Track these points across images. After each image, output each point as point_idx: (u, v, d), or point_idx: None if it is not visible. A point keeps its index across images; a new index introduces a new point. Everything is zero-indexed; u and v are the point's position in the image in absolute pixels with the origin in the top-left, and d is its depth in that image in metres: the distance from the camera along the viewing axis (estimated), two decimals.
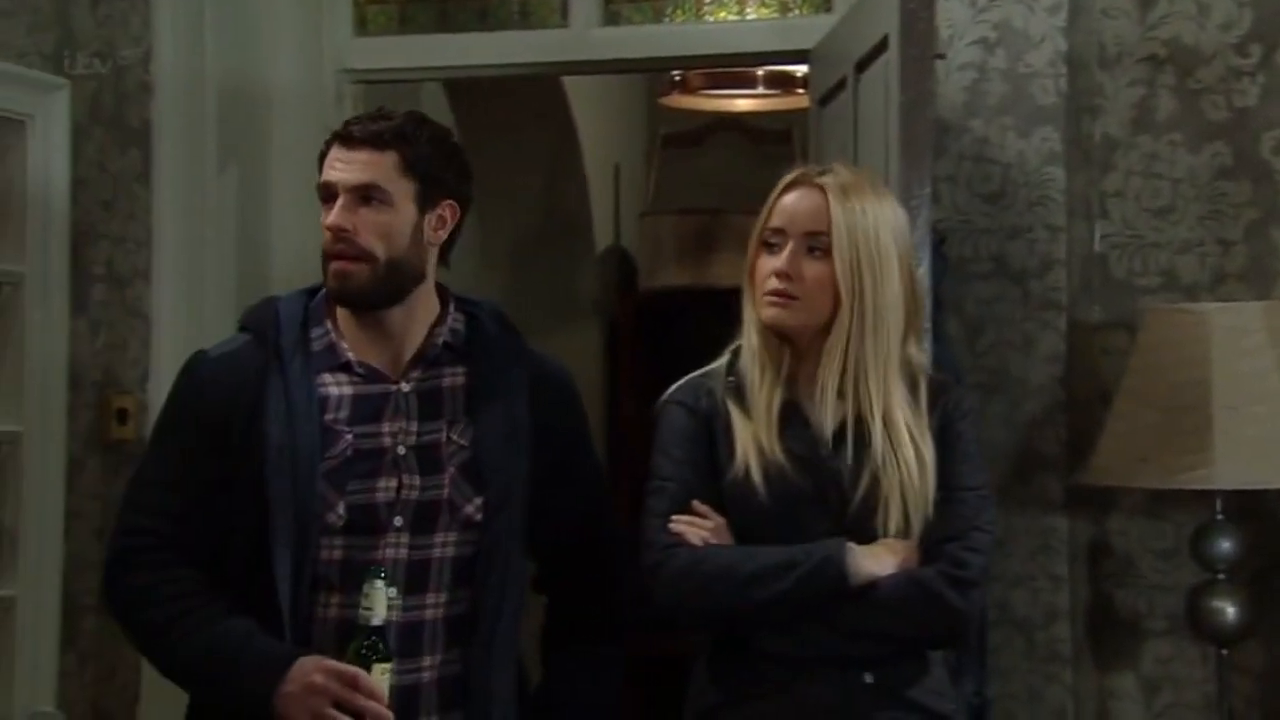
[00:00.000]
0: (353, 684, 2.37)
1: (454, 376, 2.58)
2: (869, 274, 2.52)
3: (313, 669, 2.38)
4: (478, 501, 2.52)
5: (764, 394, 2.55)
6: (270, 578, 2.43)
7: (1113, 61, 3.57)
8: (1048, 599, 3.49)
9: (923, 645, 2.55)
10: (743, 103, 5.20)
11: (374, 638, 2.39)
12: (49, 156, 3.92)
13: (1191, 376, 3.22)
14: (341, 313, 2.56)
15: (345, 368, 2.54)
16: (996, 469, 3.44)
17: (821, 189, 2.55)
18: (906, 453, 2.50)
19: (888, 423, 2.51)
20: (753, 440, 2.53)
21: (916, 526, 2.50)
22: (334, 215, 2.50)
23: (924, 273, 3.01)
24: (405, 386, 2.55)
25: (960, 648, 2.61)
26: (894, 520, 2.49)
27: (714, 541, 2.51)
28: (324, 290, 2.57)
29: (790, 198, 2.58)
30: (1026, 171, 3.54)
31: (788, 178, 2.61)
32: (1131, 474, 3.29)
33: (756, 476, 2.51)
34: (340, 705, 2.36)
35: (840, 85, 3.45)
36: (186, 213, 3.88)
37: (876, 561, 2.47)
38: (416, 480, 2.51)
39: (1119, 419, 3.33)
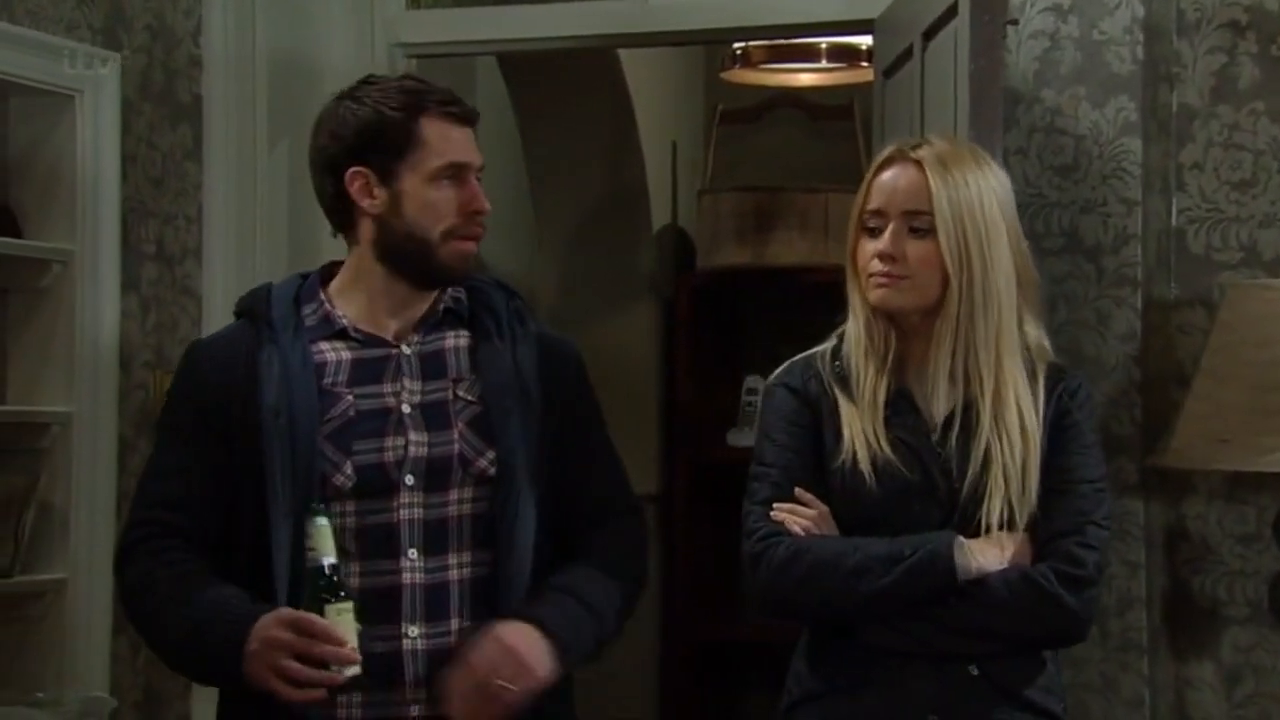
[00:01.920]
0: (308, 631, 2.29)
1: (457, 339, 2.56)
2: (976, 249, 2.43)
3: (271, 623, 2.31)
4: (490, 455, 2.48)
5: (870, 381, 2.49)
6: (267, 551, 2.38)
7: (1191, 28, 3.49)
8: (1123, 585, 3.42)
9: (1032, 644, 2.46)
10: (805, 76, 5.12)
11: (327, 578, 2.31)
12: (99, 132, 3.94)
13: (1274, 355, 3.15)
14: (343, 287, 2.55)
15: (342, 334, 2.52)
16: None
17: (918, 163, 2.46)
18: (1013, 441, 2.41)
19: (997, 409, 2.42)
20: (860, 429, 2.46)
21: (1022, 519, 2.41)
22: (482, 198, 2.51)
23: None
24: (407, 349, 2.53)
25: (1072, 645, 2.52)
26: (996, 512, 2.40)
27: (816, 531, 2.45)
28: (314, 273, 2.58)
29: (887, 175, 2.49)
30: (1100, 143, 3.46)
31: (882, 154, 2.53)
32: (1211, 456, 3.21)
33: (864, 466, 2.44)
34: (301, 656, 2.29)
35: (906, 55, 3.38)
36: (237, 189, 3.85)
37: (987, 556, 2.40)
38: (424, 437, 2.47)
39: (1198, 399, 3.25)
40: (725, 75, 5.18)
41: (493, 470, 2.48)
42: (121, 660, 3.97)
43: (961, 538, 2.40)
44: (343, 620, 2.30)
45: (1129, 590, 3.42)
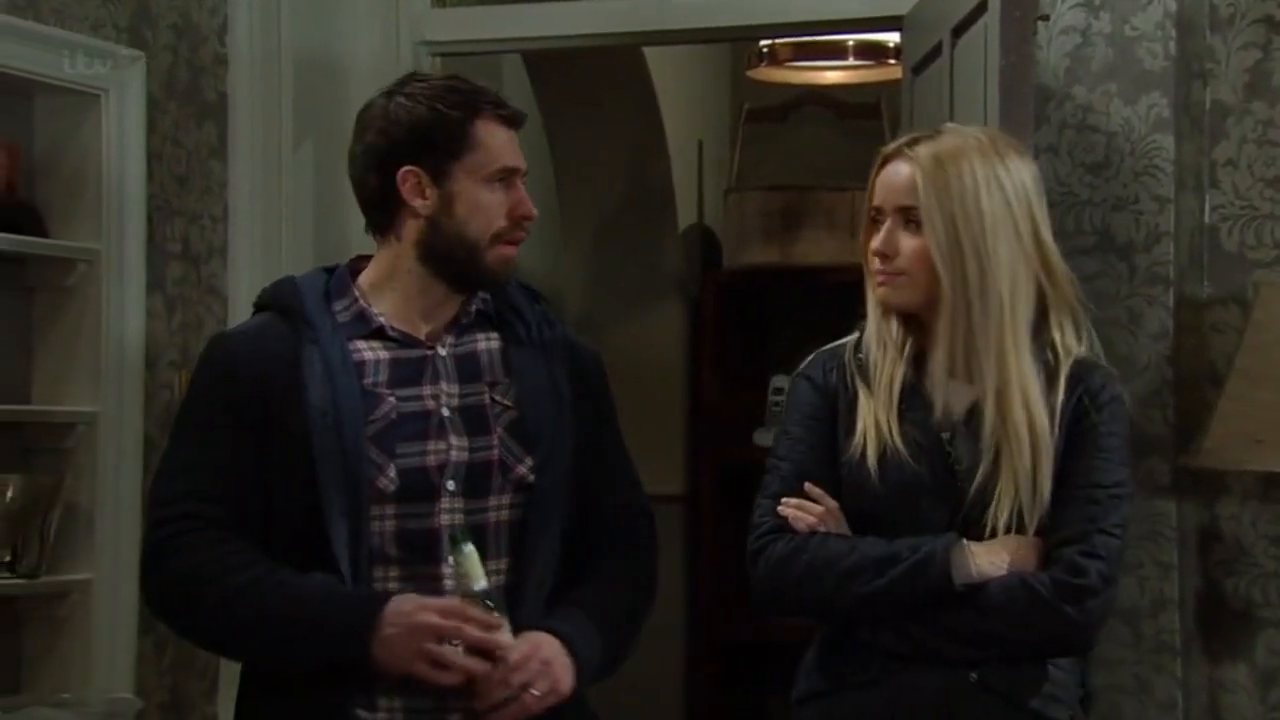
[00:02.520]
0: (462, 618, 2.30)
1: (488, 341, 2.53)
2: (970, 245, 2.38)
3: (414, 609, 2.31)
4: (529, 462, 2.46)
5: (885, 373, 2.45)
6: (326, 552, 2.36)
7: (1225, 24, 3.45)
8: (1155, 587, 3.39)
9: (1034, 652, 2.40)
10: (832, 74, 5.11)
11: (482, 604, 2.32)
12: (124, 131, 3.92)
13: None
14: (374, 285, 2.51)
15: (378, 334, 2.48)
16: None
17: (913, 160, 2.43)
18: (1021, 442, 2.35)
19: (1001, 408, 2.37)
20: (873, 421, 2.42)
21: (1032, 523, 2.37)
22: (529, 203, 2.49)
23: None
24: (442, 351, 2.50)
25: (1077, 655, 2.45)
26: (1005, 514, 2.36)
27: (821, 528, 2.42)
28: (340, 267, 2.54)
29: (886, 172, 2.47)
30: (1132, 140, 3.43)
31: (884, 150, 2.50)
32: (1245, 456, 3.19)
33: (872, 460, 2.41)
34: (450, 641, 2.30)
35: (935, 51, 3.36)
36: (263, 188, 3.84)
37: (990, 560, 2.35)
38: (465, 441, 2.45)
39: (1231, 399, 3.23)
40: (751, 73, 5.17)
41: (532, 477, 2.46)
42: (147, 661, 3.96)
43: (965, 541, 2.36)
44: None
45: (1162, 592, 3.39)
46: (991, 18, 2.97)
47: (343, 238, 3.95)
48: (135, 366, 3.94)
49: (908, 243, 2.43)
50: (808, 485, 2.45)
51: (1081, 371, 2.44)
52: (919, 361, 2.47)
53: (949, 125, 2.51)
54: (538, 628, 2.39)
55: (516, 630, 2.37)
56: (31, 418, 3.86)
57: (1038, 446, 2.36)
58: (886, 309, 2.47)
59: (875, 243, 2.45)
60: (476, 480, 2.44)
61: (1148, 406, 3.41)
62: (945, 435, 2.42)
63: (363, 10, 3.97)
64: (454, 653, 2.30)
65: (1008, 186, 2.41)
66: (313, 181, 3.89)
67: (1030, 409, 2.37)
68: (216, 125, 3.96)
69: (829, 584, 2.37)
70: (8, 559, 3.69)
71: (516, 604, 2.41)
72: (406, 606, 2.32)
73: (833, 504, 2.44)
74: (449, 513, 2.43)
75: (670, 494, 5.29)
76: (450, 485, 2.43)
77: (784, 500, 2.44)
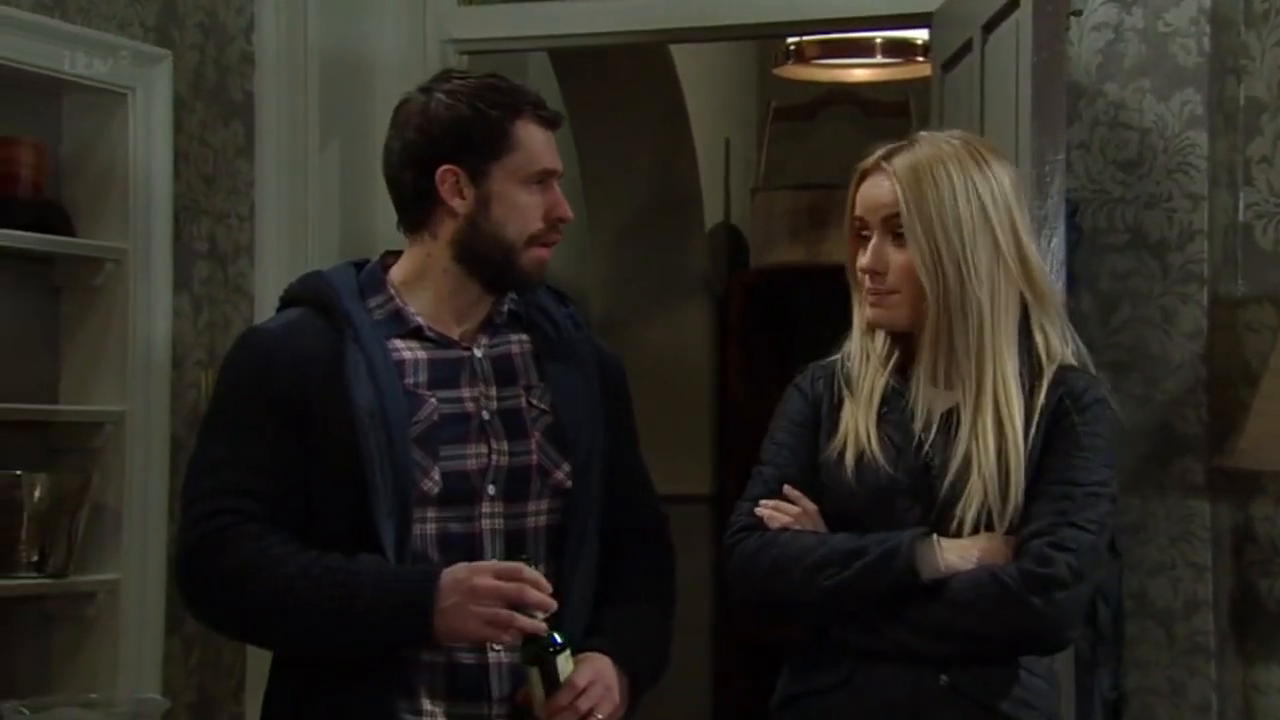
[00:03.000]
0: (519, 578, 2.29)
1: (520, 344, 2.53)
2: (949, 255, 2.38)
3: (468, 576, 2.29)
4: (566, 467, 2.46)
5: (867, 379, 2.47)
6: (372, 553, 2.33)
7: (1259, 19, 3.43)
8: (1189, 588, 3.38)
9: (1002, 648, 2.37)
10: (859, 72, 5.09)
11: (548, 631, 2.31)
12: (151, 130, 3.91)
13: None
14: (406, 282, 2.48)
15: (415, 333, 2.46)
16: (1133, 452, 3.35)
17: (890, 173, 2.42)
18: (988, 442, 2.35)
19: (978, 413, 2.37)
20: (853, 426, 2.44)
21: (1002, 521, 2.36)
22: (566, 205, 2.48)
23: (1058, 244, 2.88)
24: (478, 352, 2.48)
25: (1050, 653, 2.43)
26: (972, 512, 2.35)
27: (795, 526, 2.44)
28: (371, 263, 2.52)
29: (865, 185, 2.47)
30: (1165, 137, 3.42)
31: (861, 164, 2.49)
32: None
33: (849, 461, 2.43)
34: (513, 605, 2.29)
35: (966, 48, 3.34)
36: (290, 187, 3.80)
37: (959, 555, 2.35)
38: (505, 445, 2.44)
39: (1267, 399, 3.21)
40: (778, 71, 5.16)
41: (569, 483, 2.46)
42: (174, 661, 3.96)
43: (935, 536, 2.35)
44: (566, 667, 2.34)
45: (1195, 593, 3.37)
46: (1023, 13, 2.96)
47: (369, 237, 3.94)
48: (162, 366, 3.94)
49: (896, 257, 2.42)
50: (786, 487, 2.46)
51: (1065, 376, 2.43)
52: (904, 370, 2.47)
53: (923, 134, 2.49)
54: (590, 648, 2.40)
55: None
56: (59, 417, 3.84)
57: (1006, 449, 2.36)
58: (875, 328, 2.48)
59: (864, 259, 2.44)
60: (516, 485, 2.43)
61: (1181, 406, 3.39)
62: (922, 437, 2.42)
63: (389, 8, 3.96)
64: (515, 616, 2.28)
65: (984, 193, 2.40)
66: (339, 180, 3.87)
67: (1001, 411, 2.37)
68: (243, 124, 3.96)
69: (797, 577, 2.38)
70: (35, 559, 3.68)
71: (559, 610, 2.38)
72: (461, 574, 2.30)
73: (810, 506, 2.45)
74: (489, 517, 2.43)
75: (697, 494, 5.32)
76: (491, 489, 2.42)
77: (762, 502, 2.46)
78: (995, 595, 2.31)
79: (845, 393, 2.48)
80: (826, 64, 5.07)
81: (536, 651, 2.32)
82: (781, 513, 2.44)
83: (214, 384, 2.51)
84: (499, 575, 2.30)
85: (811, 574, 2.37)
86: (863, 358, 2.49)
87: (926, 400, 2.43)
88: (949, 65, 3.49)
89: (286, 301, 2.52)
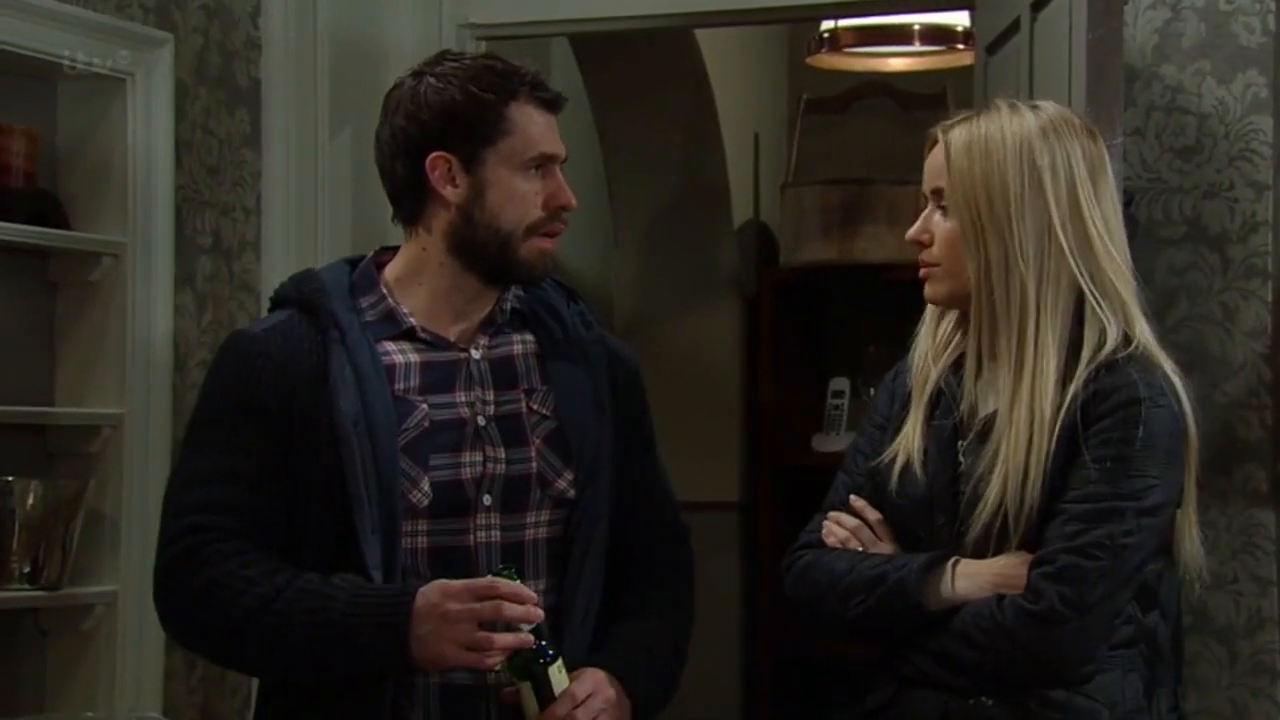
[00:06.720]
0: (492, 595, 2.21)
1: (523, 344, 2.46)
2: (991, 226, 2.27)
3: (440, 600, 2.21)
4: (568, 476, 2.40)
5: (921, 375, 2.39)
6: (358, 570, 2.26)
7: None
8: (1252, 604, 3.28)
9: (1013, 680, 2.25)
10: (895, 61, 4.99)
11: (510, 574, 2.25)
12: (151, 118, 3.89)
13: None
14: (400, 280, 2.42)
15: (408, 335, 2.40)
16: None
17: (946, 140, 2.32)
18: (1018, 439, 2.22)
19: (1012, 409, 2.24)
20: (906, 430, 2.37)
21: (1016, 526, 2.23)
22: (569, 192, 2.40)
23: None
24: (476, 354, 2.41)
25: (1063, 687, 2.27)
26: (986, 514, 2.23)
27: (852, 542, 2.39)
28: (365, 260, 2.45)
29: (929, 156, 2.38)
30: (1227, 122, 3.32)
31: (932, 130, 2.40)
32: None
33: (895, 470, 2.36)
34: (492, 624, 2.22)
35: (1013, 28, 3.22)
36: (298, 179, 3.78)
37: (970, 581, 2.26)
38: (501, 453, 2.38)
39: None
40: (811, 60, 5.07)
41: (572, 492, 2.40)
42: (176, 677, 3.91)
43: (953, 559, 2.27)
44: (561, 679, 2.27)
45: (1259, 609, 3.28)
46: None
47: (382, 232, 3.86)
48: (163, 366, 3.91)
49: (940, 228, 2.34)
50: (851, 497, 2.41)
51: (1101, 373, 2.24)
52: (958, 361, 2.37)
53: (1002, 100, 2.37)
54: (592, 664, 2.34)
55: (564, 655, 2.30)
56: (54, 420, 3.83)
57: (1034, 444, 2.22)
58: (934, 305, 2.41)
59: (911, 229, 2.38)
60: (513, 495, 2.37)
61: (1243, 409, 3.30)
62: (961, 444, 2.33)
63: None
64: (494, 637, 2.22)
65: (1044, 164, 2.26)
66: (350, 172, 3.82)
67: (1035, 406, 2.23)
68: (249, 112, 3.91)
69: (832, 603, 2.35)
70: (28, 570, 3.65)
71: (561, 627, 2.35)
72: (434, 598, 2.23)
73: (874, 515, 2.38)
74: (485, 529, 2.36)
75: (726, 501, 5.27)
76: (486, 500, 2.36)
77: (830, 514, 2.42)
78: (991, 630, 2.23)
79: (910, 390, 2.41)
80: (861, 52, 4.97)
81: (525, 664, 2.24)
82: (841, 525, 2.39)
83: (200, 390, 2.46)
84: (472, 593, 2.22)
85: (843, 600, 2.34)
86: (921, 346, 2.41)
87: (973, 397, 2.32)
88: (993, 48, 3.38)
89: (276, 302, 2.46)
